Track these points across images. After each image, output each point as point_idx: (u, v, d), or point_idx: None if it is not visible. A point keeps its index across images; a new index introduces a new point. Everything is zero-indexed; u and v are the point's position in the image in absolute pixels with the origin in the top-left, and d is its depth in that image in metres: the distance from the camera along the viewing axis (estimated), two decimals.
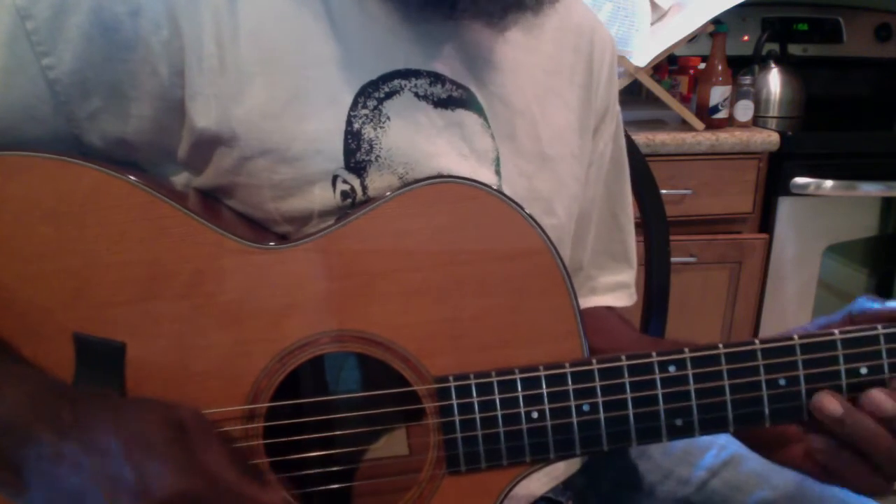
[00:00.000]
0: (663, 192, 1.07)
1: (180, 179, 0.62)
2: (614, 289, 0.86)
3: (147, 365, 0.56)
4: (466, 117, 0.65)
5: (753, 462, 0.77)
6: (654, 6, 1.76)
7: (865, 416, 0.55)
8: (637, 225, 0.90)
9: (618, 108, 0.82)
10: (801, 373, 0.57)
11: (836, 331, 0.57)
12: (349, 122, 0.60)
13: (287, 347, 0.57)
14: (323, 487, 0.61)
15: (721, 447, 0.79)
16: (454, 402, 0.58)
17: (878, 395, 0.55)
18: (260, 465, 0.58)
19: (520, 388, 0.58)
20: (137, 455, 0.46)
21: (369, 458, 0.65)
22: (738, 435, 0.65)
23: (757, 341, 0.58)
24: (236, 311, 0.57)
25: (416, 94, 0.63)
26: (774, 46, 2.05)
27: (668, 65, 1.97)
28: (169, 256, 0.56)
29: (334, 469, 0.62)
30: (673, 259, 1.07)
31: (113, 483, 0.45)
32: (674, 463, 0.80)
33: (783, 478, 0.74)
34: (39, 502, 0.47)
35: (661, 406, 0.58)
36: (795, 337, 0.57)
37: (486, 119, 0.66)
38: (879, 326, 0.57)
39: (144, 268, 0.56)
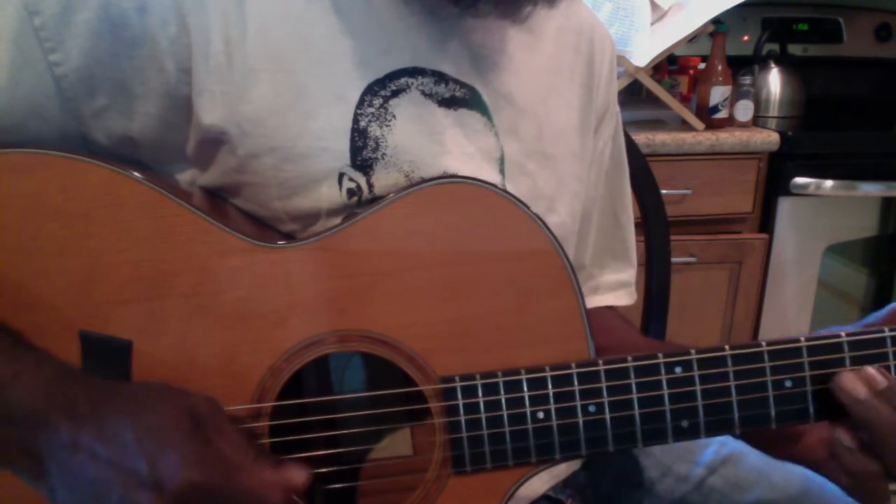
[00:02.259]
0: (663, 192, 1.07)
1: (185, 178, 0.62)
2: (616, 288, 0.86)
3: (153, 363, 0.56)
4: (469, 117, 0.65)
5: (753, 459, 0.77)
6: (654, 6, 1.76)
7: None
8: (637, 225, 0.90)
9: (617, 107, 0.82)
10: (807, 374, 0.58)
11: (842, 333, 0.58)
12: (356, 120, 0.60)
13: (293, 346, 0.57)
14: (328, 487, 0.61)
15: (721, 444, 0.80)
16: (460, 401, 0.58)
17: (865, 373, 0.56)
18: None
19: (526, 389, 0.58)
20: (152, 447, 0.46)
21: (374, 458, 0.65)
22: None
23: (763, 343, 0.58)
24: (242, 310, 0.57)
25: (423, 93, 0.63)
26: (774, 46, 2.05)
27: (668, 65, 1.97)
28: (175, 255, 0.56)
29: (339, 468, 0.62)
30: (673, 259, 1.08)
31: (128, 475, 0.46)
32: (673, 460, 0.80)
33: (783, 475, 0.74)
34: (61, 490, 0.47)
35: (668, 407, 0.58)
36: (802, 339, 0.58)
37: (489, 118, 0.66)
38: (886, 329, 0.57)
39: (151, 266, 0.56)
